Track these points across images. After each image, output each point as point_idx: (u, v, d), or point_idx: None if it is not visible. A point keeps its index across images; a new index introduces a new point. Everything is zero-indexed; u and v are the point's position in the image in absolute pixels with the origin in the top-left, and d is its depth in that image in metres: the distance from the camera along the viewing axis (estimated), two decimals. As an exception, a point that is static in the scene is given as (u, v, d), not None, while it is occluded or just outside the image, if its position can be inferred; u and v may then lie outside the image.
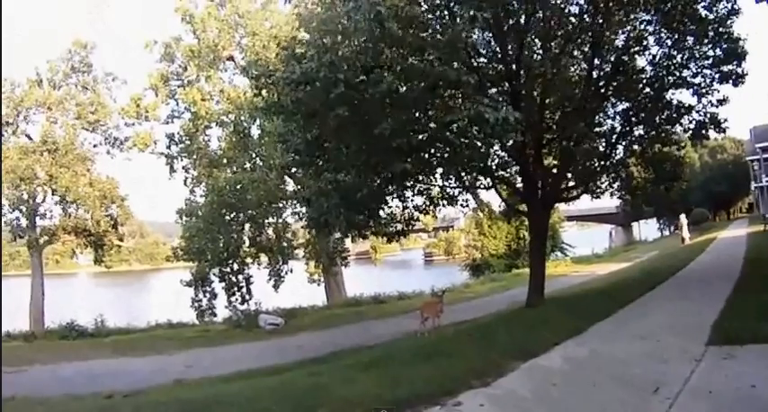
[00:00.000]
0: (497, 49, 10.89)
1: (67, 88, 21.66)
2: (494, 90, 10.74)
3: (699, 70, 11.46)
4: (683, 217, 32.32)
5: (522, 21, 10.24)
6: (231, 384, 7.60)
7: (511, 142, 9.58)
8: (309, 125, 9.08)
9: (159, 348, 13.89)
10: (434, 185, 11.92)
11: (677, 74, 11.48)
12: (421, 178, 11.16)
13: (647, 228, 58.40)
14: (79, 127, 21.65)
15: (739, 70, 11.15)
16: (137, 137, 22.34)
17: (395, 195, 11.40)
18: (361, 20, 7.26)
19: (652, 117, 11.89)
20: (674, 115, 11.83)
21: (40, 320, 19.81)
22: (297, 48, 9.02)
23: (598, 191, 13.53)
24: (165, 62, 22.03)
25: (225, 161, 21.20)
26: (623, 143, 12.63)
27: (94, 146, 22.45)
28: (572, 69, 12.54)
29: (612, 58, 11.51)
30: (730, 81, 11.24)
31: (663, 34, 11.48)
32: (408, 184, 11.25)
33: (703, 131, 11.76)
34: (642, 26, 11.50)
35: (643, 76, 11.66)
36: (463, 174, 11.27)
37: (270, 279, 20.72)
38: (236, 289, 19.65)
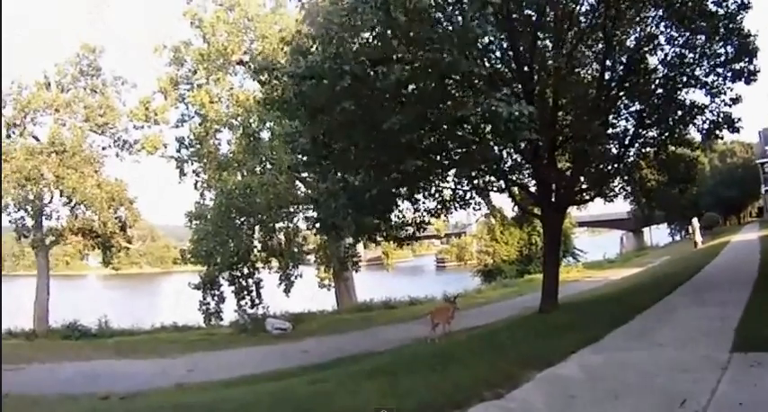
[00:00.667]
0: (509, 49, 10.68)
1: (76, 91, 21.64)
2: (506, 90, 10.52)
3: (711, 68, 11.30)
4: (695, 220, 32.20)
5: (534, 17, 10.08)
6: (232, 389, 7.48)
7: (524, 143, 9.32)
8: (315, 122, 8.85)
9: (162, 351, 13.86)
10: (446, 188, 11.73)
11: (689, 73, 11.33)
12: (432, 179, 10.94)
13: (657, 234, 57.96)
14: (87, 129, 21.66)
15: (751, 67, 11.02)
16: (146, 140, 22.32)
17: (405, 198, 11.22)
18: (368, 10, 7.03)
19: (665, 117, 11.72)
20: (687, 116, 11.67)
21: (44, 320, 19.73)
22: (301, 40, 8.82)
23: (611, 194, 13.40)
24: (174, 65, 22.01)
25: (235, 164, 21.09)
26: (636, 145, 12.46)
27: (103, 148, 22.45)
28: (584, 70, 12.38)
29: (624, 59, 11.40)
30: (742, 79, 11.09)
31: (674, 32, 11.34)
32: (420, 186, 11.05)
33: (717, 131, 11.55)
34: (653, 24, 11.36)
35: (655, 75, 11.53)
36: (475, 176, 11.07)
37: (280, 283, 20.56)
38: (245, 293, 19.49)
